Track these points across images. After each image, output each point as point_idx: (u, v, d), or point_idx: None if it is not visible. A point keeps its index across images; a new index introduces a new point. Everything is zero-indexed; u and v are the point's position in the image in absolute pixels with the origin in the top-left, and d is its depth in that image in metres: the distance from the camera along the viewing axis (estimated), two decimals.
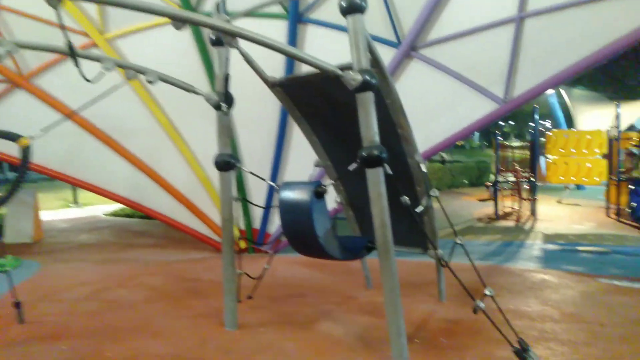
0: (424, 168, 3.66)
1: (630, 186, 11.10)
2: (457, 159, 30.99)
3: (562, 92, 19.64)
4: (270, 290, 5.27)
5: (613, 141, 11.50)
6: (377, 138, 2.68)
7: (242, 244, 7.63)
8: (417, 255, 4.76)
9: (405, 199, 3.00)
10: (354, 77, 2.63)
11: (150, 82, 3.48)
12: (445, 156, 6.26)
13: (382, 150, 2.66)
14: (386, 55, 6.45)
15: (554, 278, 5.62)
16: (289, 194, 3.12)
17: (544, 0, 4.97)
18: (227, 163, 3.52)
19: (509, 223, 11.07)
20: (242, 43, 3.29)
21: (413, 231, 3.89)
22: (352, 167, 2.74)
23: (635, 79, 32.34)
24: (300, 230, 3.15)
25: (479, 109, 6.13)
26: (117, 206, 13.57)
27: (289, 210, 3.14)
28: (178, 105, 7.40)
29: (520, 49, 5.43)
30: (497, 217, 11.79)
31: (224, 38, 2.79)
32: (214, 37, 3.32)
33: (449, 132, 6.46)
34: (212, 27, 2.55)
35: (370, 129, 2.67)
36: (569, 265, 6.36)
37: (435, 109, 6.59)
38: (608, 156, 11.69)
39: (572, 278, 5.62)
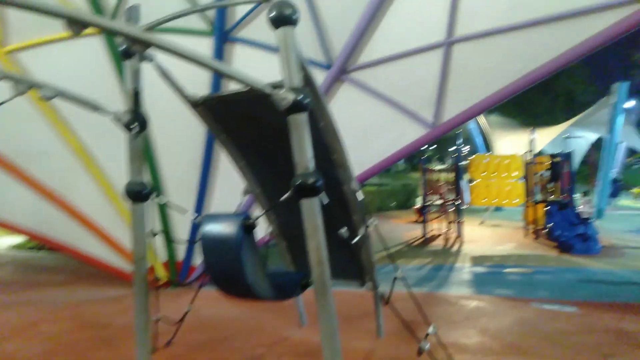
0: (360, 196, 3.42)
1: (545, 207, 11.77)
2: (384, 182, 31.77)
3: (481, 118, 20.83)
4: (192, 334, 4.71)
5: (528, 165, 12.20)
6: (312, 164, 2.38)
7: (164, 277, 6.95)
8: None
9: (344, 231, 2.72)
10: (285, 96, 2.32)
11: (46, 98, 2.95)
12: None
13: (317, 177, 2.35)
14: (317, 77, 6.27)
15: (488, 305, 5.57)
16: (213, 229, 2.72)
17: (472, 25, 5.04)
18: (139, 193, 3.05)
19: (438, 245, 11.25)
20: (162, 60, 2.89)
21: (349, 263, 3.61)
22: (285, 197, 2.41)
23: (540, 108, 35.24)
24: (226, 271, 2.74)
25: (410, 132, 6.09)
26: (22, 238, 12.10)
27: (213, 248, 2.72)
28: (95, 126, 6.70)
29: (449, 74, 5.47)
30: (426, 240, 11.96)
31: (134, 48, 2.38)
32: (124, 48, 2.89)
33: (381, 156, 6.36)
34: (118, 33, 2.14)
35: (304, 154, 2.36)
36: (499, 289, 6.40)
37: (367, 133, 6.48)
38: (525, 179, 12.36)
39: (506, 304, 5.60)
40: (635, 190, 23.48)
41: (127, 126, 3.00)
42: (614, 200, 19.39)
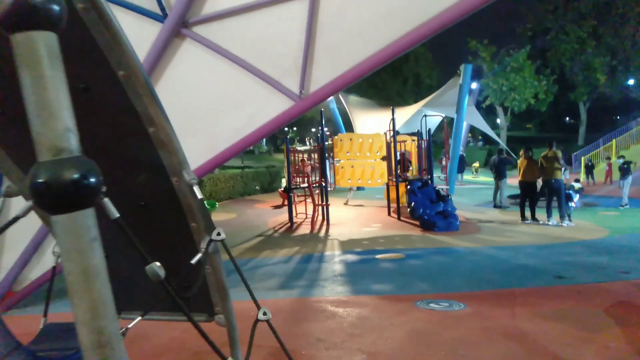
0: (197, 192, 2.22)
1: (407, 186, 11.83)
2: (247, 164, 30.52)
3: (341, 98, 20.76)
4: None
5: (390, 144, 12.12)
6: (72, 141, 1.13)
7: None
8: None
9: (155, 266, 1.53)
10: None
11: None
12: None
13: (88, 168, 1.13)
14: (149, 33, 4.81)
15: (371, 311, 4.63)
16: None
17: None
18: None
19: (305, 231, 10.54)
20: None
21: (187, 290, 2.42)
22: (24, 209, 1.14)
23: (392, 90, 37.24)
24: None
25: (272, 106, 5.00)
26: None
27: None
28: None
29: (317, 33, 4.48)
30: (292, 225, 11.18)
31: None
32: None
33: (237, 135, 5.17)
34: None
35: (51, 119, 1.11)
36: (377, 284, 5.72)
37: (219, 107, 5.25)
38: (387, 158, 12.28)
39: (390, 307, 4.75)
40: (474, 165, 25.98)
41: None
42: (461, 175, 21.02)
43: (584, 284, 5.28)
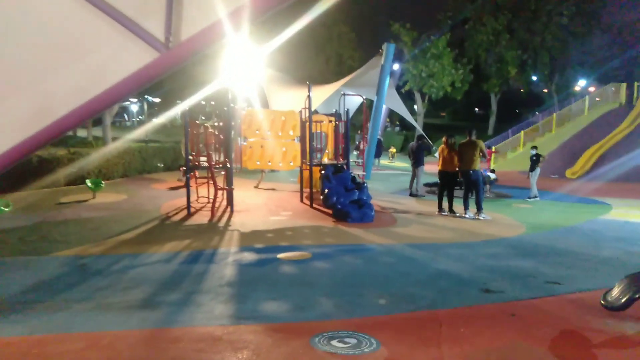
0: None
1: (322, 171, 10.77)
2: (155, 138, 27.84)
3: (259, 73, 19.12)
4: None
5: (305, 124, 10.94)
6: None
7: None
8: None
9: None
10: None
11: None
12: None
13: None
14: None
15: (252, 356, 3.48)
16: None
17: None
18: None
19: (203, 219, 9.09)
20: None
21: None
22: None
23: (314, 69, 36.10)
24: None
25: (129, 57, 3.51)
26: None
27: None
28: None
29: None
30: (189, 211, 9.67)
31: None
32: None
33: (82, 96, 3.62)
34: None
35: None
36: (270, 301, 4.46)
37: (53, 54, 3.65)
38: (301, 139, 11.12)
39: (276, 350, 3.46)
40: (391, 150, 25.78)
41: None
42: (378, 160, 20.53)
43: (516, 302, 4.49)
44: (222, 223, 8.77)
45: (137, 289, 4.90)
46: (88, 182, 11.42)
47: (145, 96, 44.34)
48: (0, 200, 8.75)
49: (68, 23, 3.56)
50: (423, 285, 5.00)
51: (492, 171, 13.97)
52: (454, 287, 4.94)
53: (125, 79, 3.53)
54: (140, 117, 48.16)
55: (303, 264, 5.89)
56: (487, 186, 12.86)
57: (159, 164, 17.90)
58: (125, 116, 50.98)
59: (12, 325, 3.98)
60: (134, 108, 48.17)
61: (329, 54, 36.09)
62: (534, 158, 12.45)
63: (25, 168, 11.83)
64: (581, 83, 37.05)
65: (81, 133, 29.54)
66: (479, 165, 9.50)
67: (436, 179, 13.50)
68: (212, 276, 5.34)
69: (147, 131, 26.95)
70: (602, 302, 4.13)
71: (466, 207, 9.64)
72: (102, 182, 11.83)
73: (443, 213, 9.85)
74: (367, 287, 4.96)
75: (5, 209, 8.54)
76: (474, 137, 9.60)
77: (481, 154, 9.43)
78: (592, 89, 32.07)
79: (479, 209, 9.44)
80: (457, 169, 9.65)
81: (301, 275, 5.42)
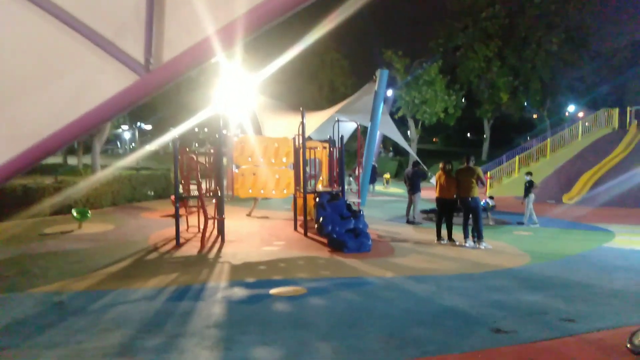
0: None
1: (316, 199, 10.44)
2: (147, 165, 27.48)
3: (252, 100, 18.94)
4: None
5: (299, 150, 10.66)
6: None
7: None
8: None
9: None
10: None
11: None
12: None
13: None
14: None
15: None
16: None
17: None
18: None
19: (192, 250, 8.68)
20: None
21: None
22: None
23: (307, 96, 36.19)
24: None
25: (107, 81, 3.21)
26: None
27: None
28: None
29: None
30: (178, 242, 9.25)
31: None
32: None
33: (56, 122, 3.30)
34: None
35: None
36: (259, 349, 4.02)
37: (26, 76, 3.35)
38: (295, 166, 10.82)
39: None
40: (385, 176, 25.54)
41: None
42: (372, 186, 20.24)
43: (532, 344, 4.11)
44: (212, 254, 8.37)
45: (117, 332, 4.48)
46: (74, 212, 11.01)
47: (138, 123, 44.19)
48: (79, 209, 8.28)
49: (39, 44, 3.26)
50: (428, 326, 4.61)
51: (491, 197, 13.70)
52: (462, 327, 4.55)
53: (103, 104, 3.20)
54: (133, 144, 47.88)
55: (297, 300, 5.48)
56: (488, 214, 12.56)
57: (149, 192, 17.50)
58: (118, 143, 50.70)
59: None
60: (127, 135, 47.94)
61: (322, 81, 36.27)
62: (527, 185, 12.21)
63: (9, 197, 11.42)
64: (570, 109, 37.42)
65: (72, 161, 29.13)
66: (477, 192, 9.22)
67: (433, 205, 13.26)
68: (198, 315, 4.93)
69: (139, 158, 26.62)
70: (629, 345, 3.78)
71: (466, 236, 9.30)
72: (89, 211, 11.41)
73: (442, 242, 9.50)
74: (368, 327, 4.56)
75: None
76: (471, 164, 9.35)
77: (479, 181, 9.16)
78: (580, 114, 32.32)
79: (480, 237, 9.11)
80: (454, 196, 9.36)
81: (295, 314, 5.01)
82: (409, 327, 4.57)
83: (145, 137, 49.39)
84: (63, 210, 12.48)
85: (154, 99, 28.07)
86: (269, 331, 4.45)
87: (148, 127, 44.78)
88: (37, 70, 3.33)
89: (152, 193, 17.60)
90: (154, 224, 11.73)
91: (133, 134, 48.07)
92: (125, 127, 43.76)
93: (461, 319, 4.78)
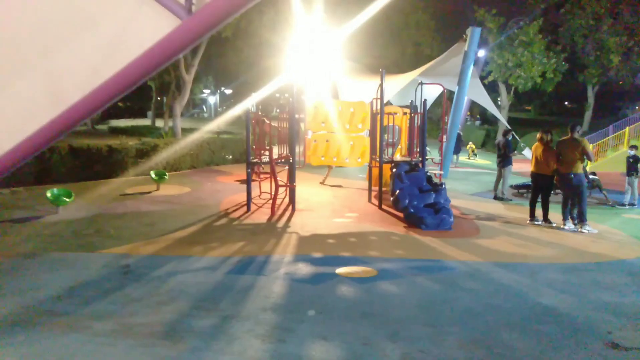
0: None
1: (392, 169, 9.68)
2: (228, 130, 28.03)
3: (330, 63, 18.23)
4: None
5: (376, 116, 9.86)
6: None
7: None
8: None
9: None
10: None
11: None
12: None
13: None
14: None
15: None
16: None
17: None
18: None
19: (262, 217, 8.41)
20: None
21: None
22: None
23: (389, 59, 34.55)
24: None
25: (145, 27, 2.73)
26: None
27: None
28: None
29: None
30: (249, 209, 9.04)
31: None
32: None
33: (96, 77, 2.90)
34: None
35: None
36: (317, 344, 3.50)
37: (59, 26, 2.96)
38: (371, 133, 10.08)
39: None
40: (470, 146, 23.82)
41: None
42: (456, 157, 18.90)
43: None
44: (281, 223, 8.03)
45: (170, 306, 4.22)
46: (152, 174, 11.24)
47: (221, 88, 45.34)
48: (63, 190, 8.63)
49: None
50: (521, 330, 3.82)
51: (593, 173, 11.98)
52: (567, 337, 3.70)
53: (143, 54, 2.73)
54: (218, 109, 49.39)
55: (366, 284, 4.90)
56: (604, 192, 11.03)
57: (227, 156, 17.69)
58: (204, 107, 52.61)
59: (16, 347, 3.42)
60: (212, 100, 49.48)
61: (405, 43, 34.34)
62: (631, 160, 10.39)
63: (95, 156, 11.94)
64: None
65: (159, 124, 30.57)
66: (581, 168, 7.91)
67: (525, 180, 11.89)
68: (257, 294, 4.54)
69: (221, 123, 27.18)
70: None
71: (565, 217, 8.10)
72: (167, 173, 11.60)
73: (536, 222, 8.37)
74: (446, 327, 3.87)
75: (67, 200, 8.40)
76: (576, 135, 8.00)
77: (586, 155, 7.83)
78: None
79: (583, 220, 7.88)
80: (553, 170, 8.13)
81: (362, 301, 4.44)
82: (497, 330, 3.82)
83: (228, 103, 50.74)
84: (144, 171, 12.87)
85: (236, 64, 28.27)
86: (330, 321, 3.93)
87: (229, 91, 45.83)
88: (68, 15, 2.91)
89: (230, 157, 17.77)
90: (228, 189, 11.70)
91: (216, 99, 49.52)
92: (207, 91, 45.09)
93: (564, 325, 3.92)
